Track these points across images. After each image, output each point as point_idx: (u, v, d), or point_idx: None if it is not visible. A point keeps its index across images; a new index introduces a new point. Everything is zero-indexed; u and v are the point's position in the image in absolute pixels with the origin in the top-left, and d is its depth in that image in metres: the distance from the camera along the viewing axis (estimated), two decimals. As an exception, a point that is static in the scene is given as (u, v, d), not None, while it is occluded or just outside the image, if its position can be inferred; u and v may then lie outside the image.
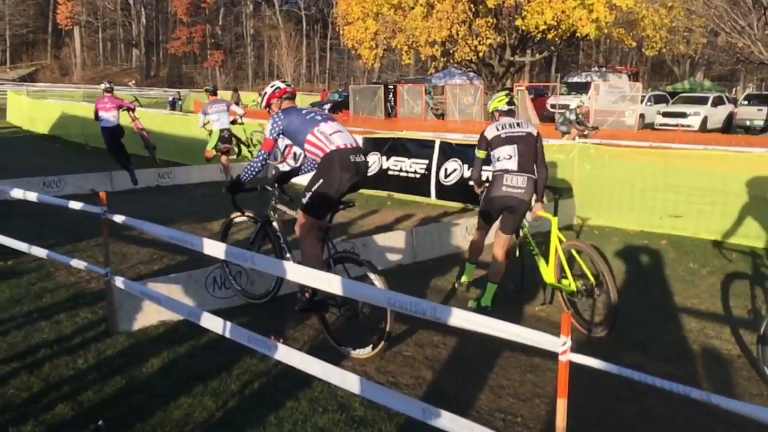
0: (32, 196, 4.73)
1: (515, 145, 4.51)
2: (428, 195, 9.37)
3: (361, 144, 3.94)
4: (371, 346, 3.80)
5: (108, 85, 10.76)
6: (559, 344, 2.06)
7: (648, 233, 7.36)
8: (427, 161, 9.47)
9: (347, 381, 2.72)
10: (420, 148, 9.76)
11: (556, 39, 23.52)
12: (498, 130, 4.61)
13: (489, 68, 25.41)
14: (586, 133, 13.17)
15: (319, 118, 4.02)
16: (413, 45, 24.65)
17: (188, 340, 3.99)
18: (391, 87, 30.00)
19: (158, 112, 17.88)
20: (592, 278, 4.29)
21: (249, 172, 4.10)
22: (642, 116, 23.13)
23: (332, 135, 3.92)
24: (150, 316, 4.23)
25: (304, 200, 3.92)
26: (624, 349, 4.08)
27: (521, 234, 4.77)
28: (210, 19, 63.83)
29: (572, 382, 2.11)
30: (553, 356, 2.11)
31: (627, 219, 7.67)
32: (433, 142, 9.63)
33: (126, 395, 3.31)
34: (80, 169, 10.62)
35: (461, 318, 2.31)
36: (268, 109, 4.27)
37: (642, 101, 23.94)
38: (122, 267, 5.58)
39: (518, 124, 4.66)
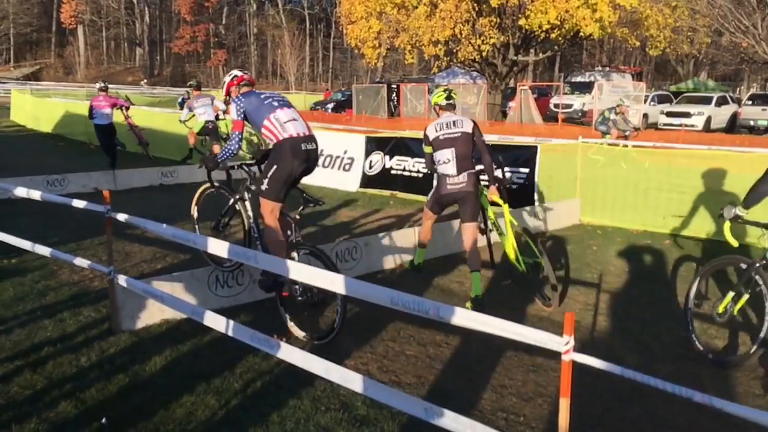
0: (36, 194, 4.74)
1: (453, 149, 4.83)
2: (431, 194, 9.36)
3: (313, 132, 4.18)
4: (328, 332, 3.94)
5: (103, 84, 11.24)
6: (562, 344, 2.06)
7: (651, 233, 7.35)
8: (430, 161, 9.45)
9: (350, 380, 2.71)
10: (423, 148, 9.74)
11: (560, 38, 23.45)
12: (437, 131, 4.90)
13: (492, 68, 25.37)
14: (627, 134, 12.88)
15: (275, 104, 4.20)
16: (416, 44, 24.62)
17: (191, 339, 3.99)
18: (394, 86, 30.01)
19: (162, 111, 17.90)
20: (541, 259, 4.77)
21: (226, 153, 4.26)
22: (646, 116, 23.09)
23: (286, 123, 4.10)
24: (153, 314, 4.24)
25: (263, 187, 4.12)
26: (627, 349, 4.08)
27: (487, 216, 5.14)
28: (213, 18, 63.96)
29: (575, 382, 2.11)
30: (555, 356, 2.10)
31: (630, 219, 7.66)
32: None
33: (129, 393, 3.32)
34: (84, 167, 10.63)
35: (464, 317, 2.31)
36: (228, 97, 4.46)
37: (645, 101, 23.91)
38: (125, 265, 5.59)
39: (454, 123, 4.91)
